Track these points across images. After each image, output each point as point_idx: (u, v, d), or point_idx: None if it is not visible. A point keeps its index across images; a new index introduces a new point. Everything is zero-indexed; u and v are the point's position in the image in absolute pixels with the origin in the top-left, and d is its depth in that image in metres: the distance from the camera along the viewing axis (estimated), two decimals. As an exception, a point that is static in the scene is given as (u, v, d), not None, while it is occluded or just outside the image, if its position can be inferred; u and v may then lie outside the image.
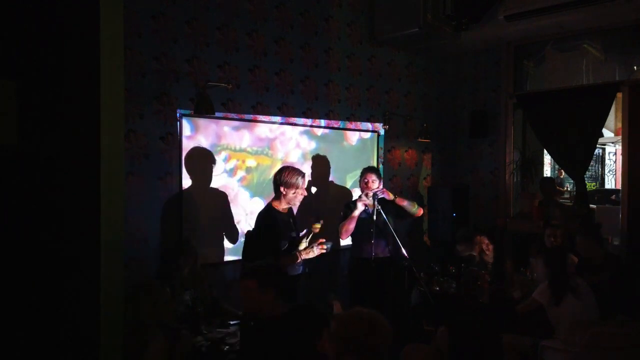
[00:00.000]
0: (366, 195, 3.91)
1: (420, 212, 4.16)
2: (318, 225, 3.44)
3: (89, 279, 1.41)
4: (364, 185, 3.96)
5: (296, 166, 4.15)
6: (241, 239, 4.11)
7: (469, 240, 4.51)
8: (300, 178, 3.39)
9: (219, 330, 3.07)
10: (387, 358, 1.82)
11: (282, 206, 3.44)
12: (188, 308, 3.26)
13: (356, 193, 4.58)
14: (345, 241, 4.21)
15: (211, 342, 2.89)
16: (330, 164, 4.79)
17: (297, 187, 3.38)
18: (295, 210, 3.68)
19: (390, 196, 3.92)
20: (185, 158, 3.82)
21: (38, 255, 1.46)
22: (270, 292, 2.44)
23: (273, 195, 3.50)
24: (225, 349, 2.81)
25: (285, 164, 4.21)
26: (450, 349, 1.96)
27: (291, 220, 3.53)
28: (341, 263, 4.76)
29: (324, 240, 3.40)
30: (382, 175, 4.22)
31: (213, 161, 3.98)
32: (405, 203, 4.01)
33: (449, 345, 1.98)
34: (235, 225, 4.13)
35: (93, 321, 1.40)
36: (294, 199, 3.42)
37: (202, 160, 3.93)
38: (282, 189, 3.38)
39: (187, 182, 3.85)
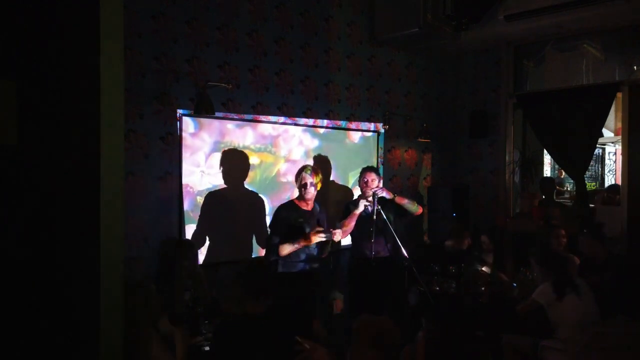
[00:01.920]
0: (365, 194, 3.91)
1: (420, 210, 4.16)
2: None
3: (89, 279, 1.40)
4: (363, 184, 3.97)
5: (299, 164, 4.22)
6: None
7: (458, 236, 4.52)
8: (307, 173, 3.55)
9: (219, 330, 3.06)
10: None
11: (301, 203, 3.60)
12: (188, 308, 3.26)
13: (357, 192, 4.58)
14: (345, 241, 4.21)
15: (211, 342, 2.89)
16: (333, 161, 4.81)
17: (302, 182, 3.53)
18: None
19: (390, 195, 3.93)
20: (221, 157, 3.98)
21: (38, 255, 1.45)
22: (244, 292, 2.44)
23: (277, 192, 3.68)
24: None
25: (289, 162, 4.33)
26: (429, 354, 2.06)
27: (310, 218, 3.60)
28: (341, 263, 4.76)
29: (320, 228, 3.52)
30: (381, 175, 4.22)
31: (248, 163, 4.16)
32: (405, 202, 4.01)
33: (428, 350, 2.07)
34: (266, 230, 4.19)
35: (93, 321, 1.40)
36: (305, 194, 3.55)
37: (237, 162, 4.09)
38: (297, 185, 3.60)
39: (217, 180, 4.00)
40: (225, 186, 4.02)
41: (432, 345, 2.08)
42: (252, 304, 2.39)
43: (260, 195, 4.24)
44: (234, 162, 4.08)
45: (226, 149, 4.03)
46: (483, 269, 4.28)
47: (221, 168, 3.99)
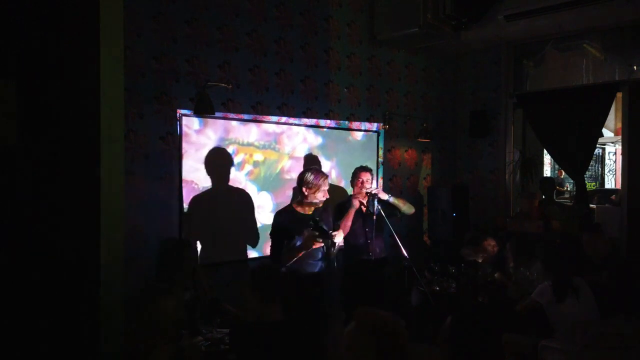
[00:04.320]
0: (361, 194, 3.89)
1: (413, 211, 4.14)
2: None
3: (89, 278, 1.41)
4: (359, 184, 3.94)
5: (302, 161, 4.19)
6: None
7: (476, 246, 4.49)
8: (322, 179, 3.42)
9: (219, 330, 3.07)
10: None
11: (302, 208, 3.46)
12: (188, 308, 3.25)
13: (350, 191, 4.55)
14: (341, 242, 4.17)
15: (211, 342, 2.89)
16: (336, 158, 4.82)
17: (318, 188, 3.40)
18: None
19: (385, 196, 3.91)
20: (205, 158, 3.91)
21: (38, 254, 1.46)
22: (256, 296, 2.41)
23: (280, 189, 3.57)
24: (223, 348, 2.81)
25: (293, 159, 4.34)
26: (451, 339, 1.99)
27: (312, 222, 3.46)
28: (339, 264, 4.75)
29: (317, 233, 3.32)
30: (374, 174, 4.22)
31: (231, 162, 4.07)
32: (399, 202, 3.99)
33: (450, 336, 2.01)
34: (256, 228, 4.17)
35: (93, 320, 1.40)
36: (315, 199, 3.42)
37: (220, 160, 4.02)
38: (304, 189, 3.40)
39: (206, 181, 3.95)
40: (210, 187, 3.95)
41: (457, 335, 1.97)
42: (266, 311, 2.37)
43: (247, 190, 4.16)
44: (218, 161, 4.01)
45: (211, 148, 3.95)
46: (479, 260, 4.29)
47: (206, 169, 3.91)
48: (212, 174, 3.97)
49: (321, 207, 3.53)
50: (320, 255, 3.50)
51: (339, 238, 3.47)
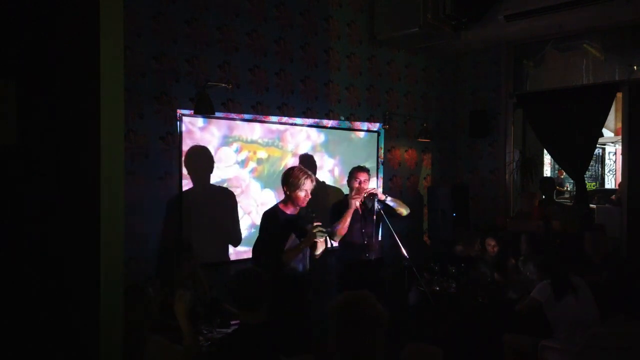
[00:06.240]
0: (359, 194, 3.87)
1: (408, 212, 4.09)
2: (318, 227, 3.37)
3: (89, 279, 1.40)
4: (356, 184, 3.90)
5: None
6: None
7: (468, 241, 4.51)
8: (305, 179, 3.28)
9: (219, 330, 3.07)
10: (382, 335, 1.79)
11: (289, 208, 3.36)
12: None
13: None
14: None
15: (211, 342, 2.89)
16: (339, 156, 4.83)
17: (297, 187, 3.27)
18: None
19: (382, 196, 3.90)
20: (184, 157, 3.81)
21: (37, 255, 1.45)
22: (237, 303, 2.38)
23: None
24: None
25: (296, 156, 4.35)
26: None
27: (299, 221, 3.39)
28: (331, 264, 4.73)
29: (319, 223, 3.25)
30: (371, 175, 4.21)
31: (212, 160, 3.96)
32: (395, 203, 3.96)
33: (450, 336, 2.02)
34: (238, 228, 4.14)
35: (92, 321, 1.40)
36: (298, 200, 3.31)
37: (201, 159, 3.93)
38: (284, 188, 3.32)
39: (186, 181, 3.85)
40: (192, 186, 3.88)
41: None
42: (248, 315, 2.34)
43: (231, 189, 4.09)
44: (199, 160, 3.92)
45: (189, 147, 3.85)
46: (472, 254, 4.31)
47: (186, 169, 3.82)
48: (193, 173, 3.87)
49: (306, 207, 3.38)
50: (296, 259, 3.38)
51: (320, 237, 3.30)
